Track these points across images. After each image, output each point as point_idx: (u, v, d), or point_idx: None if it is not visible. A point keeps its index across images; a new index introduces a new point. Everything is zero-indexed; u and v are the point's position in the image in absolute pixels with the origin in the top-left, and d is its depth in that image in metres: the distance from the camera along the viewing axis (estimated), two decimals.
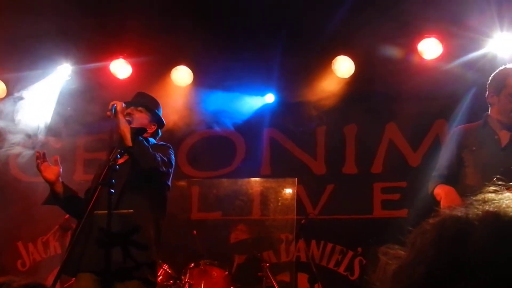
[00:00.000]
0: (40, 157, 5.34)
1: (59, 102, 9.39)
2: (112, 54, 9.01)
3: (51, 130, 9.50)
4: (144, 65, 9.05)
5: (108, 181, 4.81)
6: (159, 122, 5.84)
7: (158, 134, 5.86)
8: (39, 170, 5.36)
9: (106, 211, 4.80)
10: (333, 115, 9.39)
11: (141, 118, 5.66)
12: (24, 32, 8.27)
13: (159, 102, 5.97)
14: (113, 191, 4.83)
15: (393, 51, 8.52)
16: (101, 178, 4.83)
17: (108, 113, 5.35)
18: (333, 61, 8.87)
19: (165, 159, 5.42)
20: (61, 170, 5.42)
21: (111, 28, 8.35)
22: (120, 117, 5.34)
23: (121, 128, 5.29)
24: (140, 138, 5.33)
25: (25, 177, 10.06)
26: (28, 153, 9.77)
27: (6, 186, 9.89)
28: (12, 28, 8.26)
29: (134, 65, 9.04)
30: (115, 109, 5.34)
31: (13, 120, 9.42)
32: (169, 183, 5.61)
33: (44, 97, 9.40)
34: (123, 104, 5.45)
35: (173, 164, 5.59)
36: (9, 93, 9.51)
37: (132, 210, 5.07)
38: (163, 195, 5.58)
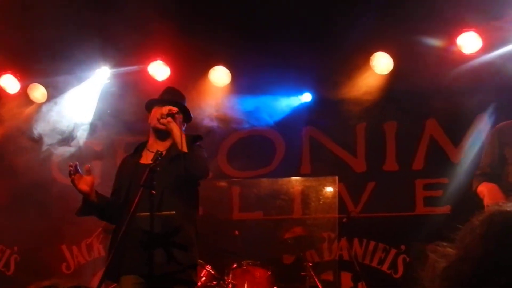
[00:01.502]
0: (73, 170, 5.29)
1: (98, 105, 9.46)
2: (150, 56, 9.04)
3: (91, 133, 9.57)
4: (182, 66, 9.07)
5: (149, 183, 4.82)
6: (188, 121, 5.83)
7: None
8: (73, 184, 5.32)
9: (148, 213, 4.81)
10: (372, 112, 9.31)
11: (178, 118, 5.64)
12: (62, 36, 8.33)
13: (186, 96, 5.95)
14: (154, 192, 4.84)
15: (432, 46, 8.44)
16: (142, 180, 4.83)
17: (163, 120, 5.37)
18: (371, 57, 8.81)
19: (206, 163, 5.46)
20: (94, 179, 5.38)
21: (149, 30, 8.37)
22: (177, 123, 5.36)
23: (178, 135, 5.30)
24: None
25: (66, 180, 10.12)
26: (69, 156, 9.88)
27: (48, 189, 9.96)
28: (50, 32, 8.33)
29: (172, 67, 9.06)
30: (173, 116, 5.36)
31: (54, 123, 9.53)
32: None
33: (84, 100, 9.47)
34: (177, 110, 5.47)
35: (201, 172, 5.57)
36: (50, 97, 9.60)
37: (174, 212, 5.08)
38: (197, 195, 5.59)
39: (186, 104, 5.80)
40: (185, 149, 5.25)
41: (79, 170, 5.31)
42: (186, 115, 5.73)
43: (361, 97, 9.14)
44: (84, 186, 5.27)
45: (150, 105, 5.75)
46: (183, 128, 5.61)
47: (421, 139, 9.27)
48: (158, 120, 5.45)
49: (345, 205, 9.31)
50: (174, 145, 5.33)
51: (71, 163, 5.30)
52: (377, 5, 7.88)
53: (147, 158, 5.48)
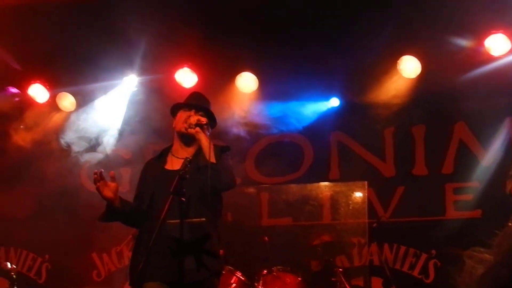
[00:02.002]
0: (98, 178, 5.28)
1: (126, 113, 9.50)
2: (177, 63, 9.06)
3: (119, 141, 9.61)
4: (209, 73, 9.07)
5: (179, 190, 4.81)
6: (213, 125, 5.79)
7: None
8: (98, 191, 5.31)
9: (178, 220, 4.80)
10: (400, 116, 9.27)
11: (206, 128, 5.58)
12: (90, 44, 8.38)
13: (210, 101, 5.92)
14: (184, 200, 4.83)
15: (460, 48, 8.38)
16: (172, 187, 4.82)
17: (192, 130, 5.38)
18: (398, 61, 8.76)
19: (232, 170, 5.44)
20: (117, 185, 5.38)
21: (175, 37, 8.38)
22: (205, 133, 5.37)
23: (206, 145, 5.29)
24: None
25: (94, 187, 10.20)
26: (97, 163, 9.94)
27: (77, 196, 10.02)
28: (78, 41, 8.38)
29: (199, 73, 9.07)
30: (202, 126, 5.37)
31: (82, 131, 9.59)
32: None
33: (112, 108, 9.52)
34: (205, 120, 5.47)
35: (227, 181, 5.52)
36: (78, 105, 9.67)
37: (204, 219, 5.06)
38: (221, 202, 5.57)
39: (211, 109, 5.78)
40: (213, 160, 5.25)
41: (104, 177, 5.31)
42: (211, 121, 5.71)
43: (389, 101, 9.11)
44: (108, 192, 5.26)
45: (175, 109, 5.73)
46: (208, 133, 5.57)
47: (450, 143, 9.21)
48: (186, 128, 5.44)
49: (375, 210, 9.27)
50: (202, 154, 5.31)
51: (96, 171, 5.31)
52: (404, 8, 7.83)
53: (172, 164, 5.47)
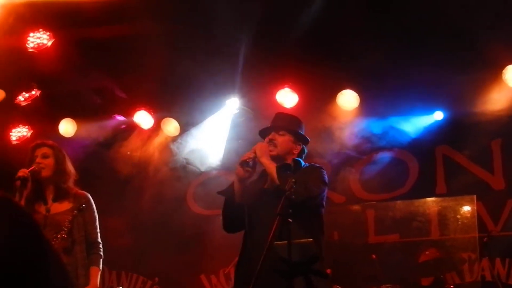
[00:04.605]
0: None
1: (229, 136, 9.60)
2: (278, 84, 9.10)
3: (224, 164, 9.71)
4: (309, 92, 9.07)
5: (286, 211, 4.81)
6: (304, 141, 5.82)
7: (304, 151, 5.83)
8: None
9: (285, 241, 4.80)
10: (507, 127, 9.04)
11: (284, 142, 5.68)
12: (191, 69, 8.51)
13: (300, 119, 5.96)
14: (291, 220, 4.82)
15: None
16: (279, 208, 4.82)
17: (250, 163, 5.46)
18: (503, 71, 8.55)
19: (319, 182, 5.41)
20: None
21: (275, 58, 8.43)
22: (263, 160, 5.45)
23: (269, 171, 5.43)
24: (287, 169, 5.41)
25: (201, 210, 10.39)
26: (202, 186, 10.09)
27: (184, 219, 10.19)
28: (180, 67, 8.52)
29: (300, 93, 9.07)
30: (254, 160, 5.45)
31: (187, 155, 9.75)
32: (324, 203, 5.58)
33: (215, 131, 9.64)
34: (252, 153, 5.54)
35: (327, 183, 5.57)
36: (182, 130, 9.82)
37: (311, 239, 5.05)
38: (321, 221, 5.56)
39: (300, 129, 5.82)
40: (277, 182, 5.31)
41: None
42: (298, 137, 5.76)
43: (494, 112, 8.89)
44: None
45: (262, 134, 5.88)
46: (300, 149, 5.72)
47: None
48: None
49: (485, 224, 9.05)
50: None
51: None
52: (507, 17, 7.65)
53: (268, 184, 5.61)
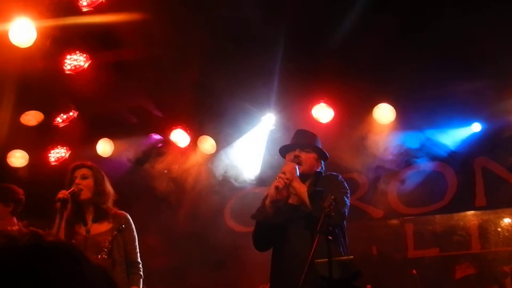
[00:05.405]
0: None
1: (266, 152, 9.60)
2: (313, 99, 9.08)
3: (261, 180, 9.70)
4: (345, 106, 9.04)
5: (325, 228, 4.79)
6: (325, 158, 5.90)
7: (322, 167, 5.88)
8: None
9: (326, 259, 4.78)
10: None
11: (309, 159, 5.76)
12: (228, 87, 8.52)
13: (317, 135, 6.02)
14: (331, 238, 4.81)
15: None
16: (319, 226, 4.81)
17: (281, 186, 5.46)
18: None
19: (342, 201, 5.39)
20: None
21: (310, 73, 8.42)
22: (295, 184, 5.49)
23: (301, 196, 5.47)
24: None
25: (237, 226, 10.37)
26: (239, 204, 10.09)
27: (221, 236, 10.19)
28: (216, 84, 8.55)
29: (335, 108, 9.04)
30: (285, 183, 5.47)
31: (223, 172, 9.76)
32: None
33: (251, 148, 9.65)
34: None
35: (348, 202, 5.56)
36: (219, 148, 9.84)
37: (352, 256, 5.03)
38: (345, 235, 5.59)
39: (319, 145, 5.86)
40: (308, 208, 5.35)
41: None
42: (321, 155, 5.83)
43: None
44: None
45: (283, 150, 5.99)
46: (320, 166, 5.82)
47: None
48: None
49: None
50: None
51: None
52: None
53: (292, 199, 5.64)
